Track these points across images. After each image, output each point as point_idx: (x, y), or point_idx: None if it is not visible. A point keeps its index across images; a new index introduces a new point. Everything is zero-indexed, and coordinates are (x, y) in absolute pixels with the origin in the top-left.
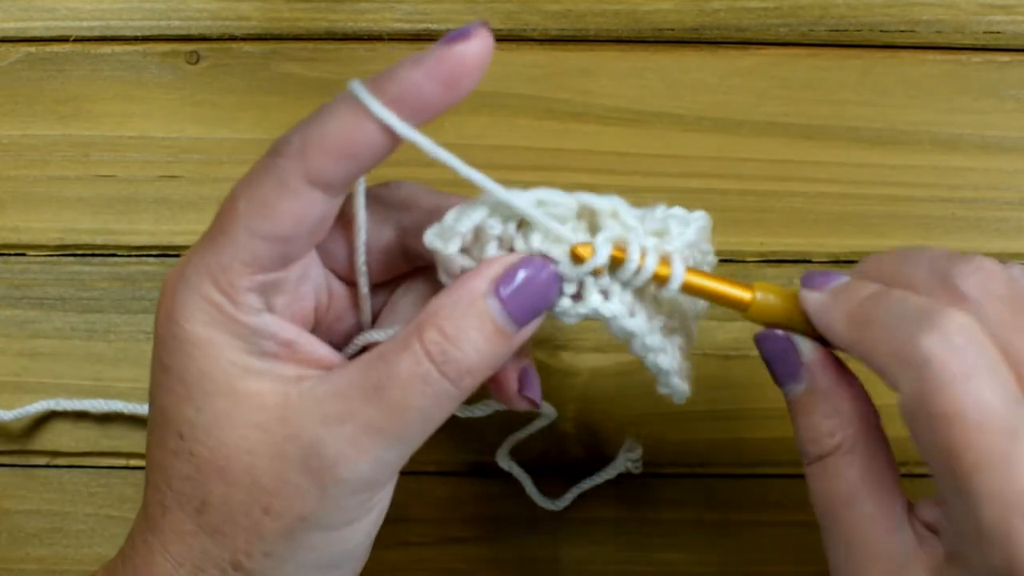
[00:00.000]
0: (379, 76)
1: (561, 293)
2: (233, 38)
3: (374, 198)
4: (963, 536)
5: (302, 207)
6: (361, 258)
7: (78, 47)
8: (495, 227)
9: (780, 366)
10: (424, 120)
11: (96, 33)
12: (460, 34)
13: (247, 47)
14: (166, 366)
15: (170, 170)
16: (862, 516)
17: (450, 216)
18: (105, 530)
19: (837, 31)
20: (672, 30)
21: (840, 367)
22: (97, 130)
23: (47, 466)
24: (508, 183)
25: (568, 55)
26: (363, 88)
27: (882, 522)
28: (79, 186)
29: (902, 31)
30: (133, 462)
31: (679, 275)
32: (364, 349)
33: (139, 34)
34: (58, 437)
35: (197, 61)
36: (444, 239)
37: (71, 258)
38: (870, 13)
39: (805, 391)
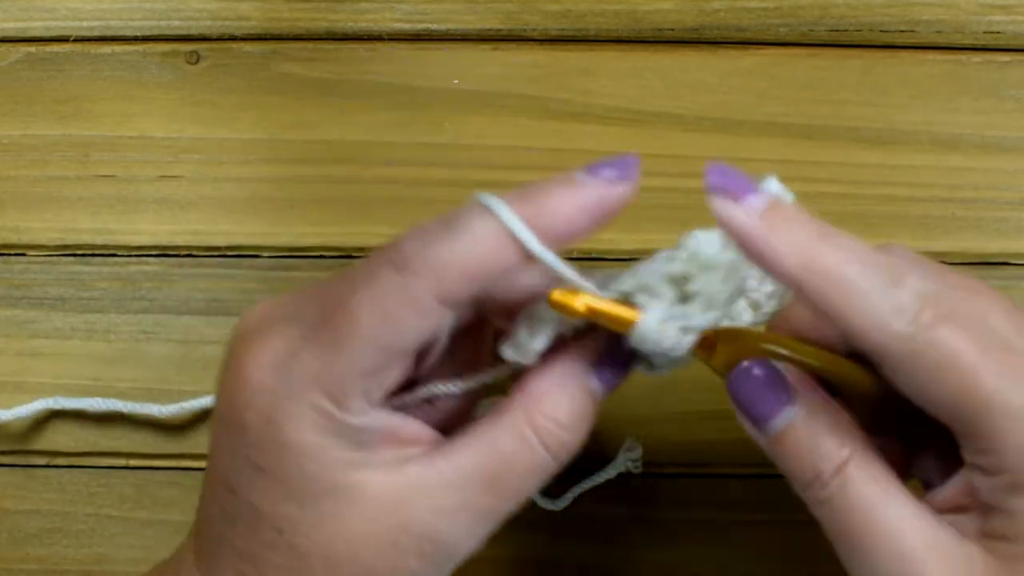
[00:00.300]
0: (527, 199)
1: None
2: (233, 38)
3: None
4: (1004, 476)
5: (430, 323)
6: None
7: (78, 47)
8: (566, 327)
9: (765, 399)
10: (560, 247)
11: (96, 33)
12: (618, 171)
13: (247, 47)
14: (260, 467)
15: (170, 170)
16: (903, 519)
17: (522, 334)
18: (105, 530)
19: (837, 31)
20: (672, 30)
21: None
22: (97, 130)
23: (47, 466)
24: (508, 183)
25: (568, 55)
26: (513, 215)
27: (924, 516)
28: (79, 186)
29: (902, 31)
30: (133, 462)
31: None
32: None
33: (139, 34)
34: (58, 437)
35: (197, 61)
36: (522, 355)
37: (71, 258)
38: (870, 13)
39: (801, 414)
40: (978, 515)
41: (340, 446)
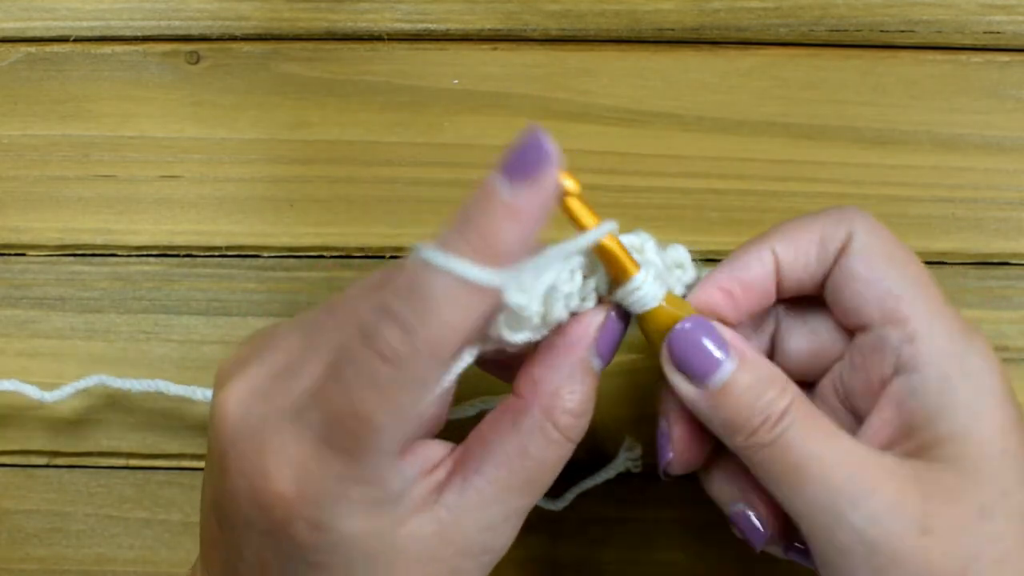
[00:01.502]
0: (472, 242)
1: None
2: (233, 38)
3: None
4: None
5: (437, 386)
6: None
7: (78, 47)
8: (565, 284)
9: (702, 354)
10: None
11: (96, 33)
12: (538, 168)
13: (247, 47)
14: (316, 564)
15: (170, 170)
16: (847, 456)
17: (530, 271)
18: (105, 530)
19: (837, 31)
20: (672, 30)
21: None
22: (97, 130)
23: (47, 466)
24: None
25: (568, 55)
26: (477, 269)
27: (866, 451)
28: (79, 186)
29: (902, 31)
30: (133, 462)
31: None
32: None
33: (139, 34)
34: (58, 437)
35: (197, 61)
36: (529, 299)
37: (71, 258)
38: (870, 13)
39: (737, 366)
40: (909, 435)
41: (383, 513)
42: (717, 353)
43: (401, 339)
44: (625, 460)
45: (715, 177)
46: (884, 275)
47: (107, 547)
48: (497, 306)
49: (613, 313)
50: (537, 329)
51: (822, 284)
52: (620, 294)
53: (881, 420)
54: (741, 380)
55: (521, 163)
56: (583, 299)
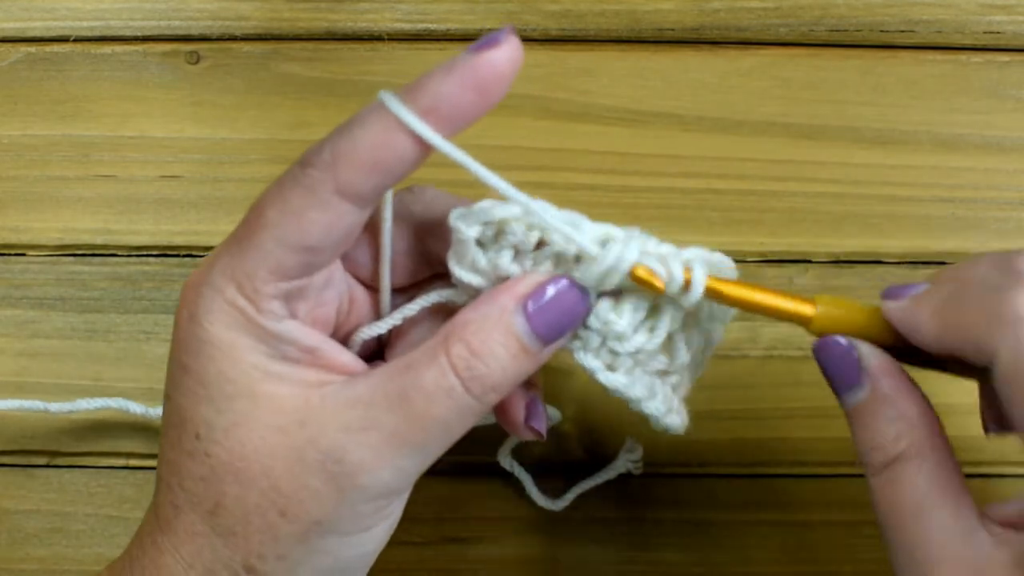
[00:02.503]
0: (410, 86)
1: (588, 314)
2: (233, 38)
3: (397, 202)
4: None
5: (331, 219)
6: (386, 268)
7: (78, 47)
8: (517, 233)
9: (840, 373)
10: (456, 130)
11: (96, 33)
12: (489, 41)
13: (247, 47)
14: (185, 366)
15: (170, 170)
16: (935, 523)
17: (484, 203)
18: (105, 530)
19: (837, 31)
20: (672, 30)
21: (902, 373)
22: (97, 130)
23: (47, 466)
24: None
25: (568, 55)
26: (394, 99)
27: (957, 527)
28: (79, 186)
29: (902, 31)
30: (133, 462)
31: (725, 291)
32: (376, 353)
33: (139, 34)
34: (58, 437)
35: (197, 61)
36: (467, 222)
37: (71, 258)
38: (870, 13)
39: (867, 397)
40: None
41: (258, 351)
42: (849, 379)
43: (316, 148)
44: (625, 461)
45: (715, 177)
46: None
47: (107, 547)
48: (414, 159)
49: (559, 282)
50: (481, 273)
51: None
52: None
53: (1018, 508)
54: (863, 413)
55: (480, 42)
56: (537, 263)
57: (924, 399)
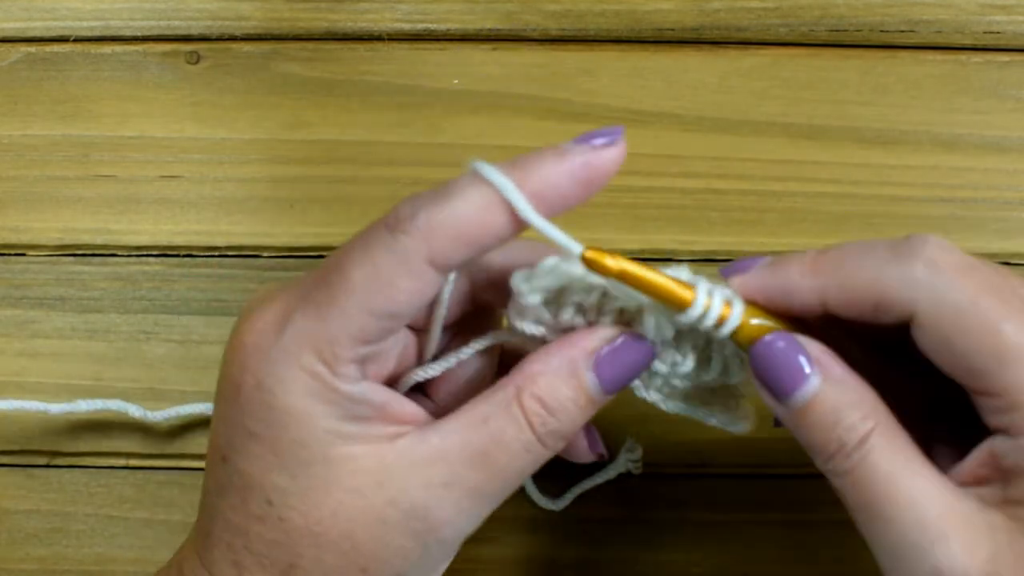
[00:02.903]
0: (517, 164)
1: (651, 363)
2: (233, 38)
3: None
4: None
5: (419, 287)
6: (441, 315)
7: (78, 47)
8: (579, 292)
9: (786, 371)
10: (551, 216)
11: (96, 33)
12: (603, 139)
13: (247, 47)
14: (253, 434)
15: (170, 170)
16: (922, 489)
17: (545, 266)
18: (105, 530)
19: (837, 31)
20: (672, 30)
21: (836, 354)
22: (97, 130)
23: (47, 466)
24: None
25: (568, 55)
26: (505, 179)
27: (943, 486)
28: (79, 186)
29: (902, 31)
30: (133, 462)
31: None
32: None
33: (139, 34)
34: (58, 437)
35: (197, 61)
36: (531, 286)
37: (71, 258)
38: (870, 13)
39: (820, 388)
40: (1000, 484)
41: (331, 415)
42: (805, 369)
43: (409, 213)
44: (625, 460)
45: (715, 177)
46: (962, 354)
47: (107, 547)
48: (509, 236)
49: (626, 338)
50: (544, 326)
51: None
52: (686, 320)
53: (977, 461)
54: (822, 402)
55: (590, 133)
56: (602, 314)
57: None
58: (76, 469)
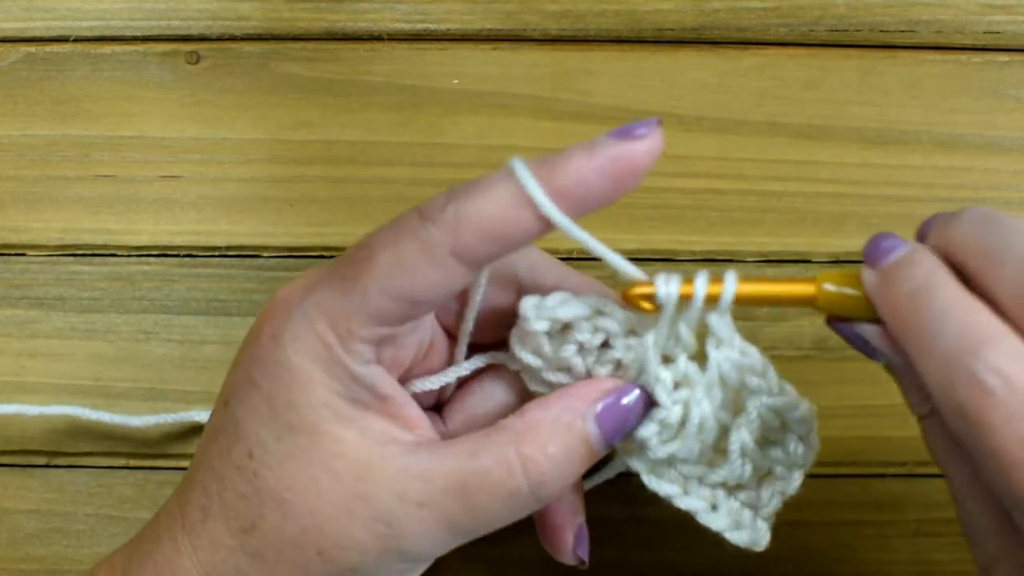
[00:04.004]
0: (547, 162)
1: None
2: (233, 38)
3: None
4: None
5: (443, 278)
6: (470, 321)
7: (78, 47)
8: (584, 331)
9: (860, 345)
10: (583, 213)
11: (96, 33)
12: (635, 132)
13: (247, 47)
14: (255, 382)
15: (170, 170)
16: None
17: (555, 298)
18: (105, 530)
19: (837, 31)
20: (672, 30)
21: None
22: (97, 130)
23: (47, 466)
24: None
25: (568, 55)
26: (529, 175)
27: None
28: (79, 186)
29: (902, 31)
30: (133, 462)
31: (730, 290)
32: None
33: (139, 34)
34: (58, 437)
35: (197, 61)
36: (538, 314)
37: (71, 258)
38: (870, 13)
39: (888, 365)
40: None
41: (331, 388)
42: (872, 352)
43: (439, 204)
44: (625, 460)
45: (715, 177)
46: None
47: (107, 547)
48: (537, 234)
49: (633, 391)
50: (543, 359)
51: None
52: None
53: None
54: (896, 373)
55: (625, 126)
56: (599, 361)
57: None
58: (76, 469)
